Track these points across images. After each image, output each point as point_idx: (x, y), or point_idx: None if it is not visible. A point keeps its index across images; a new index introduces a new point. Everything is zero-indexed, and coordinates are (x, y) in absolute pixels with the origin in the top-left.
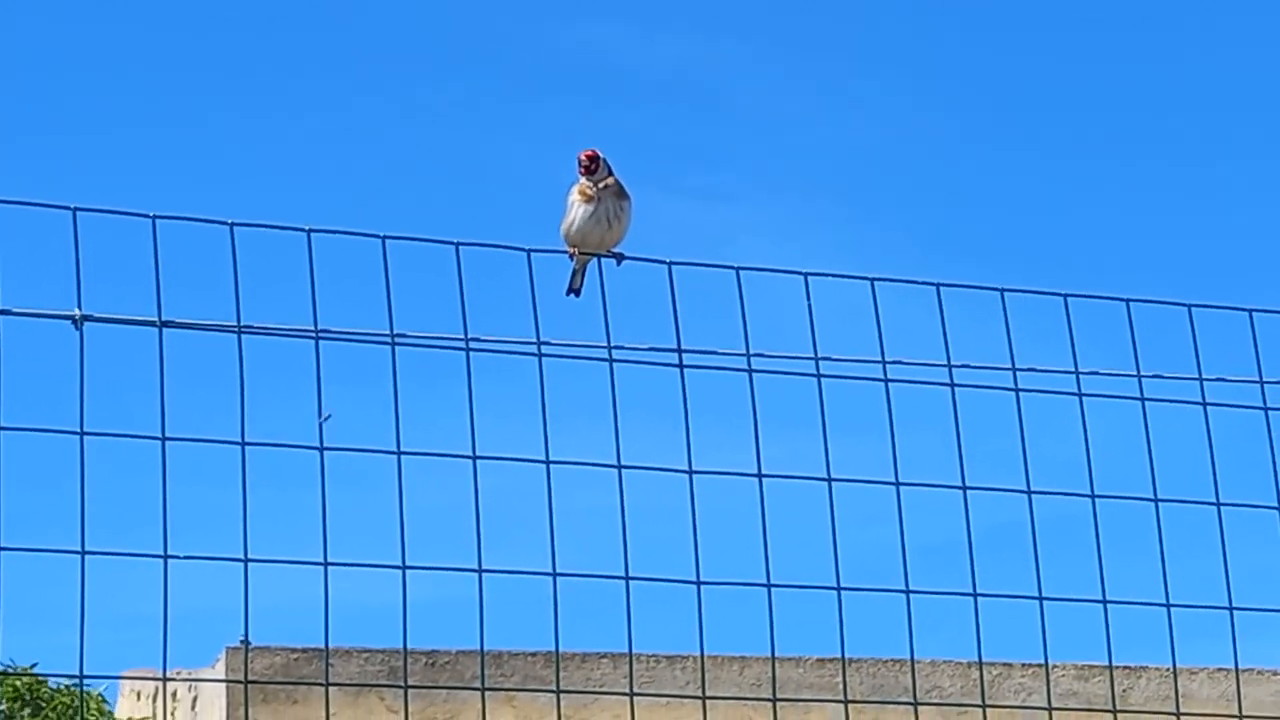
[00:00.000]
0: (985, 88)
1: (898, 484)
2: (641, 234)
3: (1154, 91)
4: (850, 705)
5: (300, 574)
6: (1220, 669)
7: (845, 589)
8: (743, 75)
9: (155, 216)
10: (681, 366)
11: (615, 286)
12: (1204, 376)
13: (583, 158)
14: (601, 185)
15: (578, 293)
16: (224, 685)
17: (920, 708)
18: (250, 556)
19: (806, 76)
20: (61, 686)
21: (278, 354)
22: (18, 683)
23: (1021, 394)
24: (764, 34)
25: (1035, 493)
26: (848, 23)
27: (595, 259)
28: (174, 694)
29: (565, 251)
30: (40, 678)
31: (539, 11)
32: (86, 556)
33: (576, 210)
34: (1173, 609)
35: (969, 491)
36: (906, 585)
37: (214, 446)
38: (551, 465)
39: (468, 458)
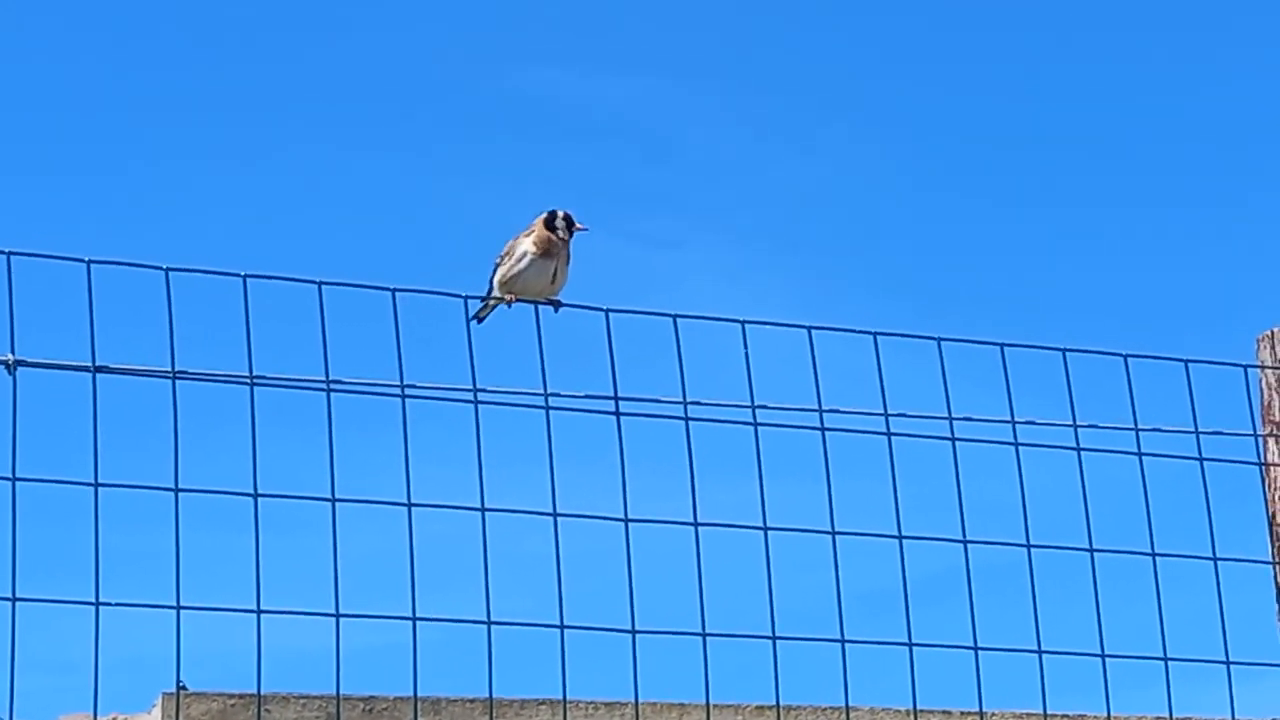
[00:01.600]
0: (934, 135)
1: (834, 533)
2: (587, 278)
3: (1095, 141)
4: None
5: (236, 620)
6: (1156, 718)
7: (780, 638)
8: (690, 120)
9: (90, 261)
10: (618, 414)
11: (553, 333)
12: (1139, 427)
13: (576, 224)
14: (566, 242)
15: (480, 320)
16: None
17: None
18: (183, 604)
19: (754, 122)
20: None
21: (213, 399)
22: None
23: (958, 442)
24: (711, 78)
25: (971, 542)
26: (797, 68)
27: (533, 304)
28: None
29: (502, 299)
30: None
31: (484, 55)
32: (18, 604)
33: (527, 260)
34: (1108, 659)
35: (905, 540)
36: (842, 635)
37: (148, 493)
38: (487, 513)
39: (402, 505)
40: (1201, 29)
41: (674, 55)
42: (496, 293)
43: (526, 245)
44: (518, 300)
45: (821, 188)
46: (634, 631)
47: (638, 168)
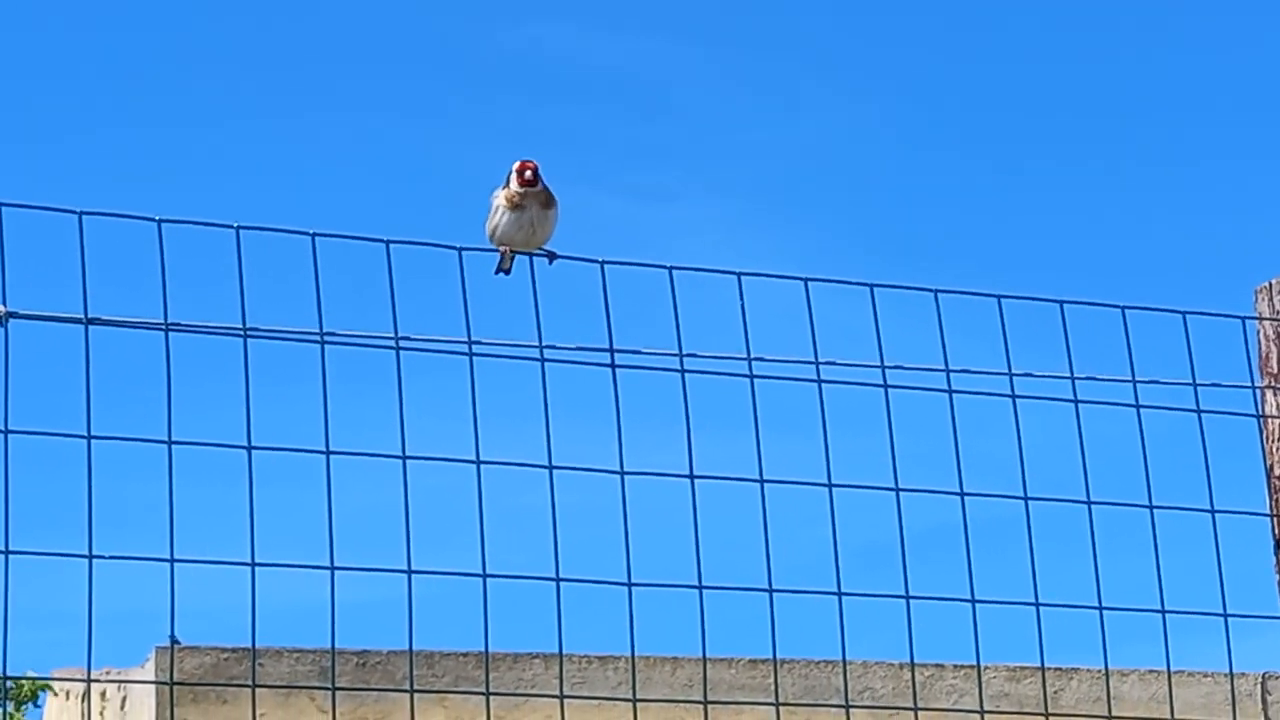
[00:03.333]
0: (926, 91)
1: (830, 485)
2: (581, 232)
3: (1090, 94)
4: (782, 707)
5: (230, 573)
6: (1151, 671)
7: (777, 591)
8: (685, 75)
9: (82, 213)
10: (614, 366)
11: (548, 285)
12: (1137, 379)
13: (526, 172)
14: (529, 193)
15: (507, 272)
16: (153, 685)
17: (852, 709)
18: (176, 557)
19: (749, 77)
20: None
21: (206, 352)
22: None
23: (955, 395)
24: (707, 34)
25: (968, 495)
26: (791, 24)
27: (527, 256)
28: (103, 693)
29: (494, 250)
30: None
31: (481, 10)
32: (11, 556)
33: (501, 216)
34: (1106, 612)
35: (902, 493)
36: (839, 587)
37: (141, 446)
38: (482, 465)
39: (397, 458)
40: None
41: (670, 12)
42: (492, 245)
43: (499, 199)
44: (512, 252)
45: (816, 144)
46: (630, 585)
47: (633, 123)
